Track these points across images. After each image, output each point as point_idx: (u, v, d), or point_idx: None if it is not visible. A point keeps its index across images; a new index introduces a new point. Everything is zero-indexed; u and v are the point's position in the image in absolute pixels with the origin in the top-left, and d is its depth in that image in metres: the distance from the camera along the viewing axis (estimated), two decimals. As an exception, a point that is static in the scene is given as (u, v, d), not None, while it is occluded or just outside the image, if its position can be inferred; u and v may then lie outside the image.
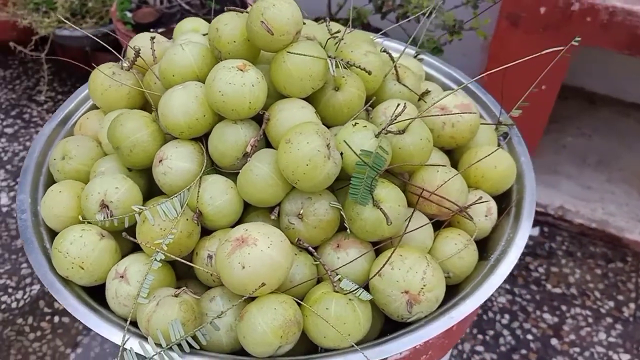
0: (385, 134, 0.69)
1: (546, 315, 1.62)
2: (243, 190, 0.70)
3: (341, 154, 0.69)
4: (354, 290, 0.66)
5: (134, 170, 0.78)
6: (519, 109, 0.89)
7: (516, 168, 0.84)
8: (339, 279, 0.67)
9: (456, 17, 1.58)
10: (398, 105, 0.73)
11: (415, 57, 1.02)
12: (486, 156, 0.77)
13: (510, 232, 0.77)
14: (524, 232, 0.76)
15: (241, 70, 0.70)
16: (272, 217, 0.70)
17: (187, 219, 0.68)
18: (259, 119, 0.74)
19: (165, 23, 1.92)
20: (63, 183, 0.77)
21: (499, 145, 0.89)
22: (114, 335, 0.65)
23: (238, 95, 0.69)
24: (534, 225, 1.82)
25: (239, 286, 0.63)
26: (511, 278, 1.70)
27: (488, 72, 0.80)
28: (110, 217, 0.70)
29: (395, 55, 0.85)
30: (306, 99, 0.76)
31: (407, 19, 1.64)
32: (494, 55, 1.65)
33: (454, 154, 0.86)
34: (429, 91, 0.88)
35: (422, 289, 0.66)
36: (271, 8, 0.70)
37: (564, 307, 1.63)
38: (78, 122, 0.88)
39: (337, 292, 0.67)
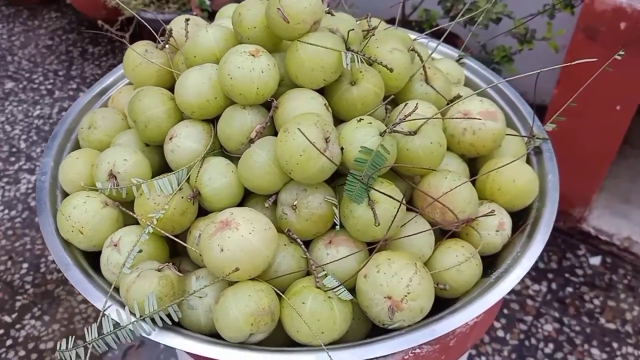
0: (390, 132, 0.67)
1: (594, 351, 1.52)
2: (242, 175, 0.70)
3: (342, 148, 0.68)
4: (334, 288, 0.64)
5: (151, 146, 0.80)
6: (554, 123, 0.83)
7: (540, 185, 0.78)
8: (324, 275, 0.66)
9: (528, 26, 1.52)
10: (416, 105, 0.70)
11: (457, 60, 0.98)
12: (499, 167, 0.73)
13: (519, 251, 0.72)
14: (533, 253, 0.71)
15: (253, 55, 0.70)
16: (266, 205, 0.70)
17: (182, 197, 0.69)
18: (269, 106, 0.74)
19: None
20: (82, 150, 0.80)
21: (528, 159, 0.84)
22: (99, 300, 0.66)
23: (246, 80, 0.69)
24: (595, 254, 1.73)
25: (216, 268, 0.63)
26: (561, 306, 1.61)
27: (519, 76, 0.76)
28: (116, 187, 0.72)
29: (440, 57, 0.82)
30: (321, 91, 0.75)
31: (475, 24, 1.59)
32: (566, 68, 1.56)
33: (476, 163, 0.82)
34: (460, 96, 0.85)
35: (406, 296, 0.63)
36: (288, -4, 0.70)
37: (615, 345, 1.52)
38: (111, 95, 0.92)
39: (318, 287, 0.65)
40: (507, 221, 0.75)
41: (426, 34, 1.02)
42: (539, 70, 0.73)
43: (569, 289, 1.66)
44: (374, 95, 0.75)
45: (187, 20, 0.87)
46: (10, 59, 2.42)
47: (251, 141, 0.72)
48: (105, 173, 0.73)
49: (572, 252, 1.75)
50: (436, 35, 0.97)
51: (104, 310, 0.65)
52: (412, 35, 1.02)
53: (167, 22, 0.91)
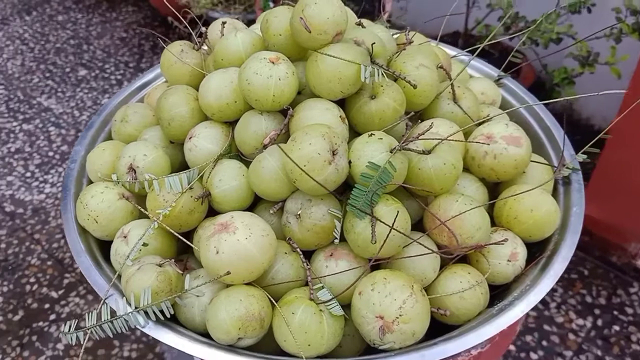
0: (400, 149, 0.66)
1: (635, 395, 1.44)
2: (251, 180, 0.71)
3: (349, 162, 0.67)
4: (327, 302, 0.64)
5: (175, 143, 0.83)
6: (586, 154, 0.79)
7: (563, 217, 0.75)
8: (319, 288, 0.65)
9: (592, 48, 1.45)
10: (431, 124, 0.69)
11: (496, 81, 0.95)
12: (516, 194, 0.70)
13: (529, 284, 0.69)
14: (542, 288, 0.68)
15: (272, 62, 0.71)
16: (271, 212, 0.70)
17: (191, 196, 0.70)
18: (286, 114, 0.74)
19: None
20: (109, 142, 0.83)
21: (555, 189, 0.80)
22: (102, 289, 0.69)
23: (263, 86, 0.70)
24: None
25: (211, 269, 0.64)
26: (605, 345, 1.53)
27: (553, 101, 0.73)
28: (130, 181, 0.75)
29: (478, 76, 0.80)
30: (341, 102, 0.75)
31: (534, 43, 1.54)
32: (629, 97, 1.48)
33: (499, 189, 0.80)
34: (489, 117, 0.82)
35: (398, 318, 0.62)
36: (312, 5, 0.70)
37: (657, 391, 1.44)
38: (148, 92, 0.95)
39: (311, 300, 0.65)
40: (521, 251, 0.72)
41: (474, 50, 0.99)
42: (594, 94, 0.70)
43: (616, 328, 1.58)
44: (393, 110, 0.74)
45: (223, 23, 0.89)
46: (85, 48, 2.55)
47: (265, 147, 0.72)
48: (126, 166, 0.76)
49: (624, 289, 1.66)
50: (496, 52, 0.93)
51: (105, 299, 0.67)
52: (452, 52, 1.00)
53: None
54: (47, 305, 1.61)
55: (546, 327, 1.57)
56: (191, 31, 0.94)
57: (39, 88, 2.35)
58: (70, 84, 2.35)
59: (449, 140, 0.68)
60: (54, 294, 1.64)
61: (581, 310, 1.63)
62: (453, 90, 0.80)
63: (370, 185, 0.65)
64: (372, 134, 0.68)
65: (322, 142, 0.64)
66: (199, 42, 0.88)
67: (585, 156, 0.79)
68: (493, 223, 0.77)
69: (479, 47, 0.95)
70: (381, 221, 0.64)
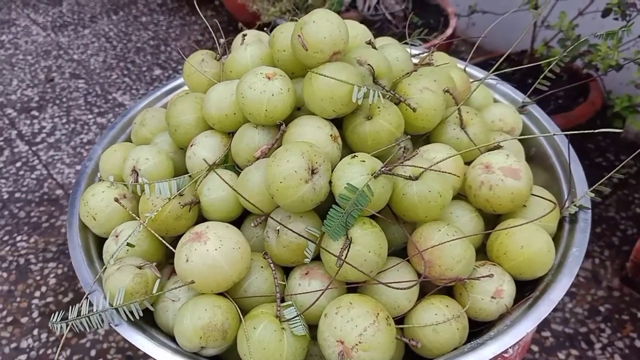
0: (380, 174, 0.65)
1: None
2: (237, 191, 0.72)
3: (330, 182, 0.67)
4: (290, 320, 0.64)
5: (184, 149, 0.85)
6: (596, 191, 0.74)
7: (562, 257, 0.71)
8: (288, 305, 0.66)
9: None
10: (417, 151, 0.67)
11: (519, 108, 0.91)
12: (505, 228, 0.67)
13: (508, 324, 0.66)
14: (518, 332, 0.64)
15: (268, 78, 0.71)
16: (252, 225, 0.71)
17: (178, 203, 0.72)
18: (282, 129, 0.75)
19: (364, 29, 1.98)
20: (122, 144, 0.87)
21: (561, 227, 0.76)
22: (87, 284, 0.72)
23: (255, 101, 0.71)
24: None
25: (181, 276, 0.65)
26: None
27: (577, 132, 0.69)
28: (133, 183, 0.78)
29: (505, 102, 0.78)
30: (337, 122, 0.75)
31: (595, 69, 1.46)
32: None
33: (499, 222, 0.76)
34: (501, 146, 0.79)
35: (357, 345, 0.61)
36: (310, 24, 0.70)
37: None
38: (172, 97, 0.98)
39: (277, 317, 0.65)
40: (508, 289, 0.69)
41: (496, 74, 0.96)
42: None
43: (665, 378, 1.47)
44: (388, 132, 0.73)
45: (244, 35, 0.91)
46: (163, 49, 2.66)
47: (257, 159, 0.73)
48: (129, 168, 0.79)
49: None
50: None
51: (87, 294, 0.70)
52: (480, 74, 0.97)
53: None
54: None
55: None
56: (217, 41, 0.97)
57: (116, 84, 2.48)
58: (144, 82, 2.46)
59: (432, 169, 0.66)
60: (102, 281, 1.72)
61: (628, 355, 1.53)
62: (460, 115, 0.78)
63: (347, 207, 0.64)
64: (355, 156, 0.67)
65: (300, 160, 0.65)
66: (220, 52, 0.90)
67: (593, 194, 0.74)
68: (486, 257, 0.74)
69: (504, 71, 0.92)
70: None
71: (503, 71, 0.94)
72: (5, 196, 1.89)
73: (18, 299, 1.57)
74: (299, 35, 0.71)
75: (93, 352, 1.43)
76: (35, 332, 1.48)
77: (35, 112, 2.30)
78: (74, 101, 2.39)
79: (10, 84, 2.44)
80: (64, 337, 0.69)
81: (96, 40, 2.78)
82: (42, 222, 1.80)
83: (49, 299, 1.58)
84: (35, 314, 1.54)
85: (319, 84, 0.70)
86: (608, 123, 1.55)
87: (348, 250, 0.63)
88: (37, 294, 1.59)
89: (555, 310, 1.50)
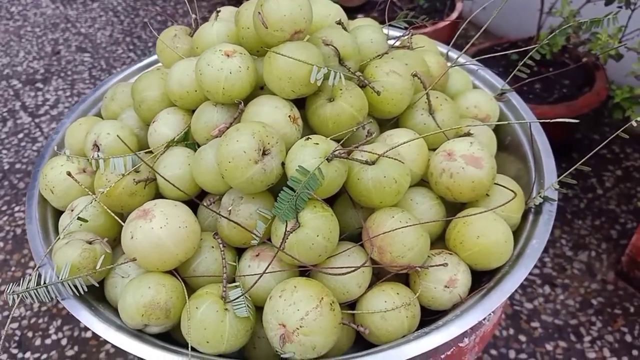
0: (333, 157, 0.63)
1: None
2: (192, 170, 0.71)
3: (282, 164, 0.66)
4: (234, 301, 0.63)
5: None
6: (562, 184, 0.72)
7: (521, 249, 0.69)
8: (234, 286, 0.65)
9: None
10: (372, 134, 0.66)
11: (497, 95, 0.89)
12: (461, 216, 0.65)
13: (457, 314, 0.64)
14: (465, 323, 0.63)
15: (227, 55, 0.70)
16: (205, 204, 0.70)
17: (133, 179, 0.72)
18: (243, 108, 0.73)
19: (367, 10, 1.95)
20: (89, 118, 0.86)
21: (526, 218, 0.74)
22: (39, 257, 0.72)
23: (213, 78, 0.69)
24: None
25: (126, 253, 0.65)
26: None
27: (558, 120, 0.67)
28: (94, 158, 0.77)
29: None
30: (300, 103, 0.73)
31: (596, 58, 1.42)
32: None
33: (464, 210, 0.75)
34: (471, 134, 0.77)
35: (298, 329, 0.60)
36: (270, 1, 0.68)
37: None
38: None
39: (222, 297, 0.64)
40: (462, 278, 0.68)
41: (477, 57, 0.93)
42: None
43: (655, 372, 1.44)
44: (350, 116, 0.71)
45: (218, 11, 0.89)
46: (169, 25, 2.65)
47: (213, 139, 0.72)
48: (91, 143, 0.78)
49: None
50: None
51: (38, 267, 0.70)
52: (464, 59, 0.94)
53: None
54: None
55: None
56: (196, 16, 0.96)
57: (121, 59, 2.47)
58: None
59: (386, 155, 0.65)
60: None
61: (617, 349, 1.50)
62: (429, 100, 0.76)
63: (297, 190, 0.63)
64: (308, 138, 0.66)
65: (250, 141, 0.63)
66: (193, 28, 0.89)
67: (559, 187, 0.72)
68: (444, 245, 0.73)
69: (485, 57, 0.89)
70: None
71: (481, 57, 0.91)
72: (6, 167, 1.91)
73: (13, 269, 1.59)
74: (259, 13, 0.69)
75: (83, 324, 1.44)
76: (28, 301, 1.50)
77: (39, 85, 2.31)
78: (78, 75, 2.39)
79: (17, 55, 2.45)
80: (14, 308, 0.69)
81: (104, 14, 2.78)
82: (40, 194, 1.81)
83: (41, 270, 1.60)
84: (28, 284, 1.56)
85: (277, 63, 0.68)
86: (609, 115, 1.51)
87: (289, 234, 0.62)
88: (32, 264, 1.60)
89: (546, 301, 1.48)
